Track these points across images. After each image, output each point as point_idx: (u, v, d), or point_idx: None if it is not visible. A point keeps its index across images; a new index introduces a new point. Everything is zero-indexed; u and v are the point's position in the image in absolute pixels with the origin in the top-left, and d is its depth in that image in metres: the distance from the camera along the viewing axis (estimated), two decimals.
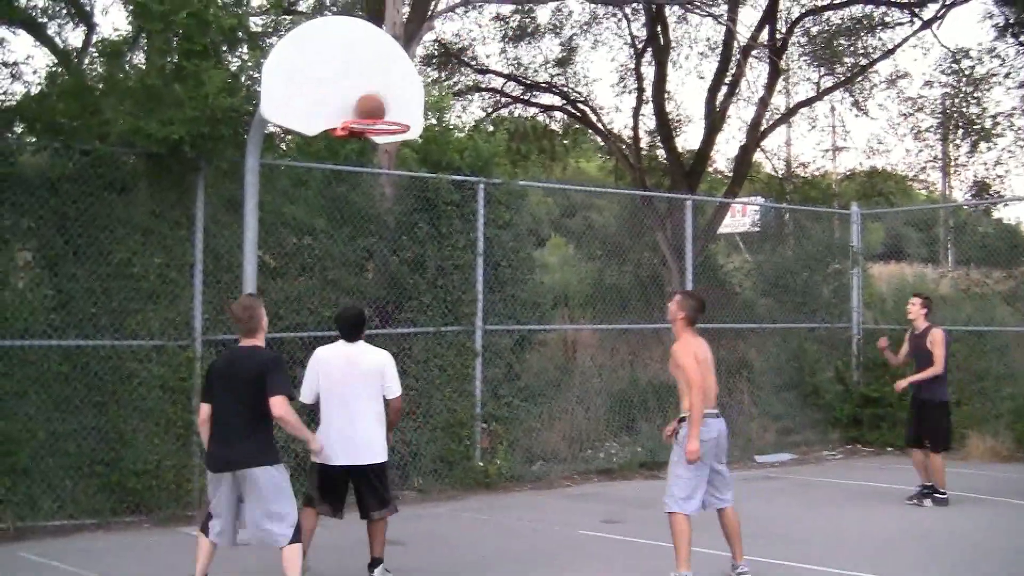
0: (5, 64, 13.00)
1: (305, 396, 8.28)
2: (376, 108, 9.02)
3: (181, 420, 10.88)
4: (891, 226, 25.77)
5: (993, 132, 22.50)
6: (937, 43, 29.15)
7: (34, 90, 11.29)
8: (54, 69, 13.82)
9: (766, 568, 8.87)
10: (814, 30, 23.87)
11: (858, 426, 16.56)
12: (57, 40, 19.22)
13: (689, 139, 56.31)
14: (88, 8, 19.81)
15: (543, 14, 28.39)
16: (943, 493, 11.82)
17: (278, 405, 7.23)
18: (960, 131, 23.28)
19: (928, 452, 11.82)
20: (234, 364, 7.52)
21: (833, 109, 27.53)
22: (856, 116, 27.62)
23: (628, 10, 23.84)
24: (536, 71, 25.46)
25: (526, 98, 25.88)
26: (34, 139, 10.95)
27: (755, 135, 22.70)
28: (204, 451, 7.70)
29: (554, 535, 10.33)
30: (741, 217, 26.72)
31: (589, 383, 15.28)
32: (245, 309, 7.65)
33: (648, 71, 23.90)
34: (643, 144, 24.32)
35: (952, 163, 25.00)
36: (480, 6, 23.38)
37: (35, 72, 21.67)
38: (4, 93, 10.91)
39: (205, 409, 7.56)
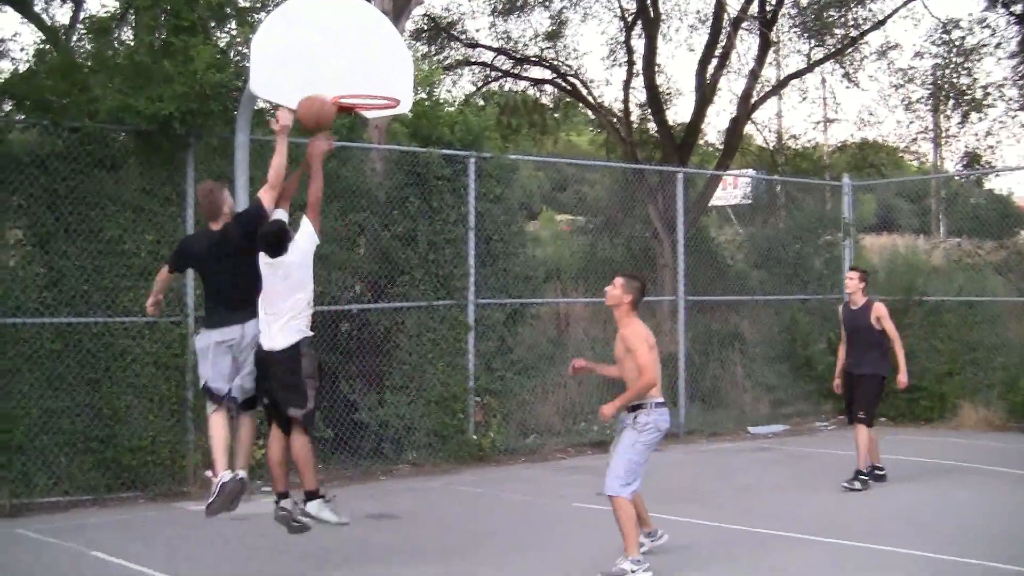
0: None
1: None
2: (317, 112, 8.57)
3: (175, 396, 10.90)
4: (883, 197, 25.74)
5: (984, 103, 22.47)
6: (928, 14, 29.30)
7: (22, 68, 11.28)
8: (42, 46, 13.78)
9: (760, 539, 8.92)
10: (804, 1, 23.80)
11: None
12: (45, 17, 19.16)
13: (680, 112, 56.21)
14: None
15: None
16: (881, 469, 11.45)
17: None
18: (951, 102, 23.24)
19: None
20: (203, 240, 8.19)
21: (824, 81, 27.39)
22: (847, 88, 27.55)
23: None
24: (526, 45, 25.38)
25: (516, 72, 25.79)
26: (23, 117, 10.92)
27: (746, 107, 22.65)
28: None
29: (548, 508, 10.38)
30: (732, 189, 26.72)
31: (582, 356, 15.27)
32: (204, 195, 8.16)
33: (638, 44, 23.82)
34: (634, 117, 24.26)
35: (943, 134, 24.99)
36: None
37: (23, 49, 21.64)
38: None
39: (164, 271, 8.42)
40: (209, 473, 7.76)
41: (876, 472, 11.35)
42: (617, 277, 8.06)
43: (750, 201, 24.03)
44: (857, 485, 10.97)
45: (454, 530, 9.42)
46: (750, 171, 25.23)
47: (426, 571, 7.96)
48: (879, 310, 11.44)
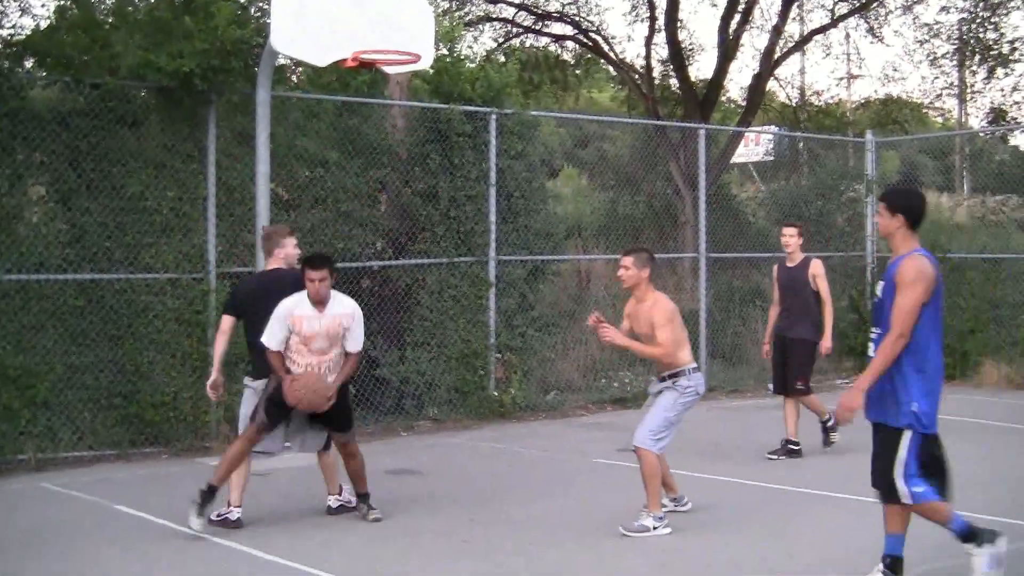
0: None
1: None
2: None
3: (197, 352, 10.95)
4: (906, 154, 25.57)
5: (1010, 58, 22.25)
6: None
7: (43, 24, 11.25)
8: (63, 3, 13.73)
9: (782, 495, 8.94)
10: None
11: None
12: None
13: (702, 68, 55.94)
14: None
15: None
16: (796, 445, 10.61)
17: None
18: (977, 57, 23.00)
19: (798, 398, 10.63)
20: (263, 284, 8.32)
21: (848, 36, 27.26)
22: (871, 43, 27.40)
23: None
24: (547, 1, 25.23)
25: (537, 28, 25.63)
26: (44, 73, 10.92)
27: (769, 63, 22.47)
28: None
29: (569, 463, 10.41)
30: (755, 146, 26.56)
31: (603, 313, 15.27)
32: (267, 234, 8.58)
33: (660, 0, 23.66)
34: (656, 74, 24.10)
35: (968, 90, 24.74)
36: None
37: (44, 6, 21.60)
38: (13, 27, 10.85)
39: (226, 320, 8.44)
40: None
41: (792, 445, 10.59)
42: (625, 257, 8.02)
43: (772, 158, 23.88)
44: (781, 456, 10.47)
45: (476, 484, 9.47)
46: (772, 127, 25.06)
47: (449, 522, 8.01)
48: (816, 268, 10.66)
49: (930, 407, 5.97)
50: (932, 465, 6.02)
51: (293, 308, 7.73)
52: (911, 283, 5.91)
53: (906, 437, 5.95)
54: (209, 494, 7.76)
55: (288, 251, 8.38)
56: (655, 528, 7.60)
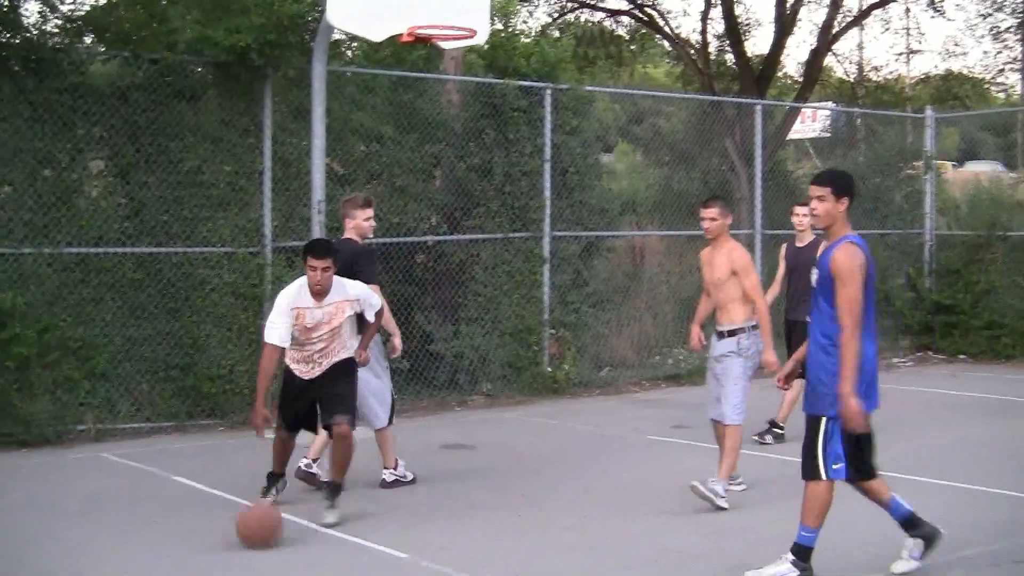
0: None
1: None
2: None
3: (253, 326, 11.03)
4: (966, 130, 25.23)
5: None
6: None
7: (103, 0, 11.33)
8: None
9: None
10: None
11: (929, 333, 16.40)
12: None
13: (759, 43, 55.38)
14: None
15: None
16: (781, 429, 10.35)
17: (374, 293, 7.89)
18: None
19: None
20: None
21: (908, 10, 26.78)
22: (932, 17, 27.03)
23: None
24: None
25: (592, 3, 25.49)
26: (103, 49, 11.02)
27: (826, 38, 22.20)
28: None
29: (622, 440, 10.40)
30: (811, 123, 26.28)
31: (657, 290, 15.25)
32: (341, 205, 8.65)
33: None
34: (711, 49, 23.87)
35: None
36: None
37: None
38: (73, 3, 10.95)
39: None
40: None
41: (775, 430, 10.31)
42: (711, 206, 8.13)
43: (829, 134, 23.64)
44: (769, 439, 10.19)
45: (529, 460, 9.48)
46: (829, 104, 24.80)
47: (502, 497, 8.03)
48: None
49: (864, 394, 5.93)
50: (856, 449, 6.01)
51: (296, 299, 7.43)
52: (850, 274, 5.89)
53: (824, 423, 5.93)
54: (273, 478, 7.92)
55: (359, 223, 8.33)
56: (723, 496, 7.63)
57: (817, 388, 5.95)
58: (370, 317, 7.74)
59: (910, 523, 6.16)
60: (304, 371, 7.64)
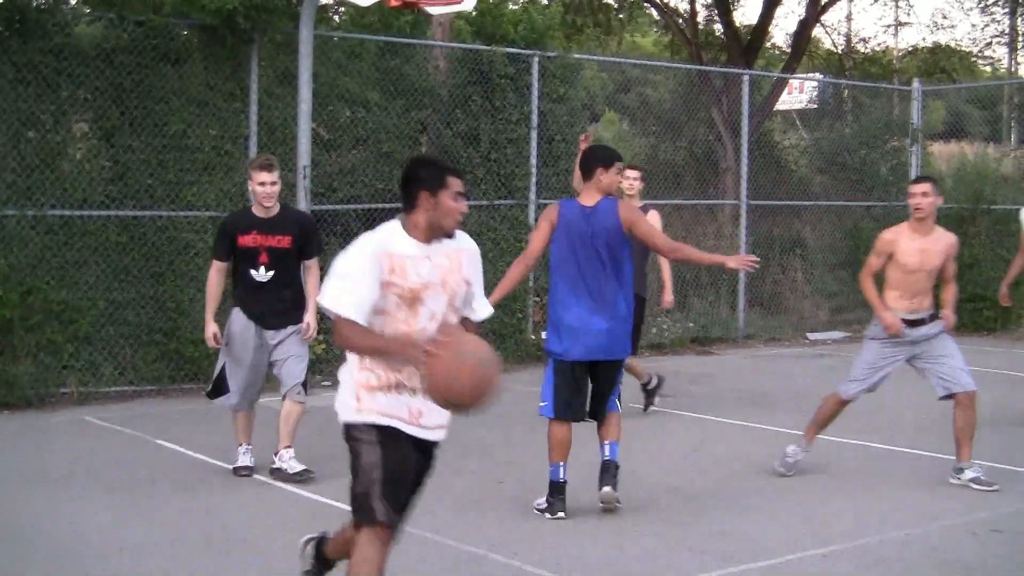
0: None
1: None
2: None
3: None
4: (953, 104, 25.22)
5: None
6: None
7: None
8: None
9: (818, 443, 8.92)
10: None
11: None
12: None
13: (747, 13, 55.25)
14: None
15: None
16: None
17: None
18: None
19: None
20: None
21: None
22: None
23: None
24: None
25: None
26: (89, 10, 10.95)
27: (815, 9, 22.13)
28: None
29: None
30: (798, 94, 26.24)
31: None
32: None
33: None
34: (700, 18, 23.81)
35: (1020, 38, 24.35)
36: None
37: None
38: None
39: None
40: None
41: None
42: (923, 183, 7.75)
43: (816, 106, 23.61)
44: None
45: (510, 428, 9.50)
46: (817, 75, 24.77)
47: (484, 466, 8.06)
48: (653, 216, 9.43)
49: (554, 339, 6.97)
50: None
51: (388, 242, 4.46)
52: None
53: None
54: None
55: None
56: (977, 480, 7.50)
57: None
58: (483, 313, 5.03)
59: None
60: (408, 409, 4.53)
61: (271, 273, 7.67)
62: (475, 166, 12.85)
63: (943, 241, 7.74)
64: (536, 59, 13.15)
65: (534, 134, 13.12)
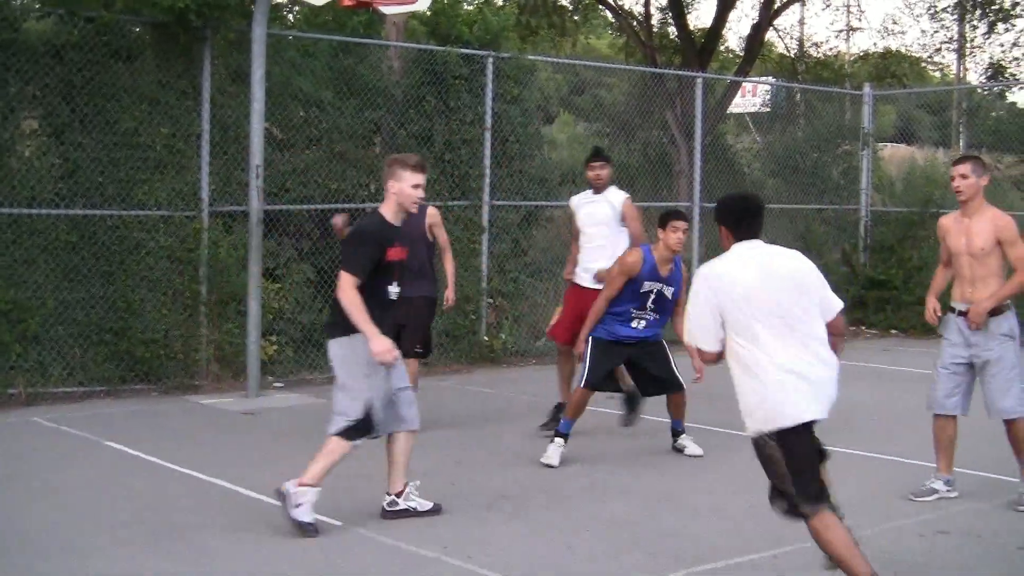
0: None
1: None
2: None
3: (188, 291, 10.95)
4: (903, 108, 25.48)
5: (1012, 13, 22.10)
6: None
7: None
8: None
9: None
10: None
11: (863, 308, 16.60)
12: None
13: (701, 16, 55.52)
14: None
15: None
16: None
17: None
18: (977, 12, 22.87)
19: None
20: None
21: None
22: None
23: None
24: None
25: None
26: (38, 5, 10.83)
27: (768, 13, 22.29)
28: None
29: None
30: (752, 97, 26.41)
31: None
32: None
33: None
34: (654, 21, 23.90)
35: (968, 45, 24.61)
36: None
37: None
38: None
39: None
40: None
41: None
42: (960, 165, 7.13)
43: (769, 109, 23.77)
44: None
45: (466, 426, 9.50)
46: (770, 78, 24.93)
47: (437, 465, 8.03)
48: (432, 216, 9.41)
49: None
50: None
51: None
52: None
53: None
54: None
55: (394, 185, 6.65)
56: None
57: None
58: None
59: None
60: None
61: (399, 289, 6.64)
62: (429, 166, 12.80)
63: (991, 223, 7.06)
64: (490, 60, 13.14)
65: (488, 135, 13.12)
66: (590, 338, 8.27)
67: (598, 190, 9.37)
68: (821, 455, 5.10)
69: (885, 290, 16.36)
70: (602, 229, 9.22)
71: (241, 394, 10.56)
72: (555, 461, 8.06)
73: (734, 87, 21.67)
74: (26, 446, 8.57)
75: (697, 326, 5.24)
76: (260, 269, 10.52)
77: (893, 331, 16.19)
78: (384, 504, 6.74)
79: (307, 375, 11.58)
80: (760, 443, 5.05)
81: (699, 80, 16.00)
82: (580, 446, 8.55)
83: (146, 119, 10.83)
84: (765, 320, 5.01)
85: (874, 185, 17.49)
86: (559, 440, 8.16)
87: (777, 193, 17.30)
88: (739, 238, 5.27)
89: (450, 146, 12.94)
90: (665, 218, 8.12)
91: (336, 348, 6.46)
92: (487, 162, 13.11)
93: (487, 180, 13.12)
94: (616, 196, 9.33)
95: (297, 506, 6.31)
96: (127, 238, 10.76)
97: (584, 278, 9.22)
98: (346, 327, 6.35)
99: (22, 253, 10.26)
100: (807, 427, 5.01)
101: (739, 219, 5.35)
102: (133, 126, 10.75)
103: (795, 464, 4.96)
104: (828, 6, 31.17)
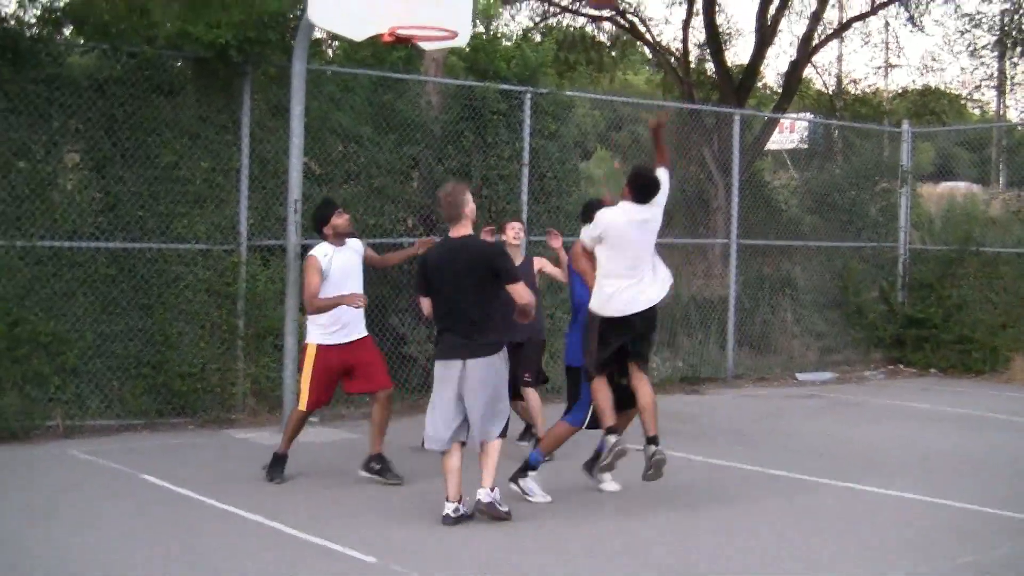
0: None
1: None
2: None
3: (226, 324, 10.99)
4: (942, 146, 25.33)
5: None
6: None
7: None
8: None
9: (804, 484, 8.90)
10: None
11: (901, 347, 16.48)
12: None
13: (739, 53, 55.48)
14: None
15: None
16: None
17: (523, 292, 7.56)
18: (1018, 48, 22.74)
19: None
20: (457, 254, 7.58)
21: (887, 25, 26.99)
22: (911, 32, 27.13)
23: None
24: None
25: (575, 8, 25.54)
26: (82, 41, 10.95)
27: (806, 50, 22.32)
28: None
29: (592, 439, 10.35)
30: (789, 134, 26.36)
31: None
32: (447, 196, 7.64)
33: None
34: (692, 57, 23.97)
35: (1009, 82, 24.48)
36: None
37: None
38: None
39: (425, 302, 7.77)
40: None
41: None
42: None
43: (807, 146, 23.72)
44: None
45: (500, 460, 9.44)
46: (808, 115, 24.87)
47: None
48: (539, 262, 10.21)
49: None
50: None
51: None
52: None
53: None
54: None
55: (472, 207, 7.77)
56: None
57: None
58: None
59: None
60: None
61: None
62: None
63: None
64: (528, 96, 13.17)
65: (525, 170, 13.12)
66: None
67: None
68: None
69: (924, 328, 16.23)
70: None
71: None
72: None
73: (772, 123, 21.65)
74: (64, 479, 8.59)
75: None
76: (297, 303, 10.53)
77: (932, 370, 16.03)
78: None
79: (343, 410, 11.57)
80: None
81: (737, 116, 15.98)
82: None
83: (186, 153, 10.91)
84: None
85: (913, 222, 17.38)
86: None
87: (815, 230, 17.22)
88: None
89: (488, 181, 12.95)
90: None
91: (499, 362, 7.56)
92: (524, 198, 13.12)
93: (524, 215, 13.11)
94: None
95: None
96: (166, 271, 10.82)
97: None
98: (500, 343, 7.53)
99: (62, 286, 10.33)
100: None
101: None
102: (173, 160, 10.83)
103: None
104: (867, 43, 30.96)
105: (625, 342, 7.98)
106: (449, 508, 7.39)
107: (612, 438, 7.89)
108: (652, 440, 7.87)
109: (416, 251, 9.31)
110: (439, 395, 7.57)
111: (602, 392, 8.00)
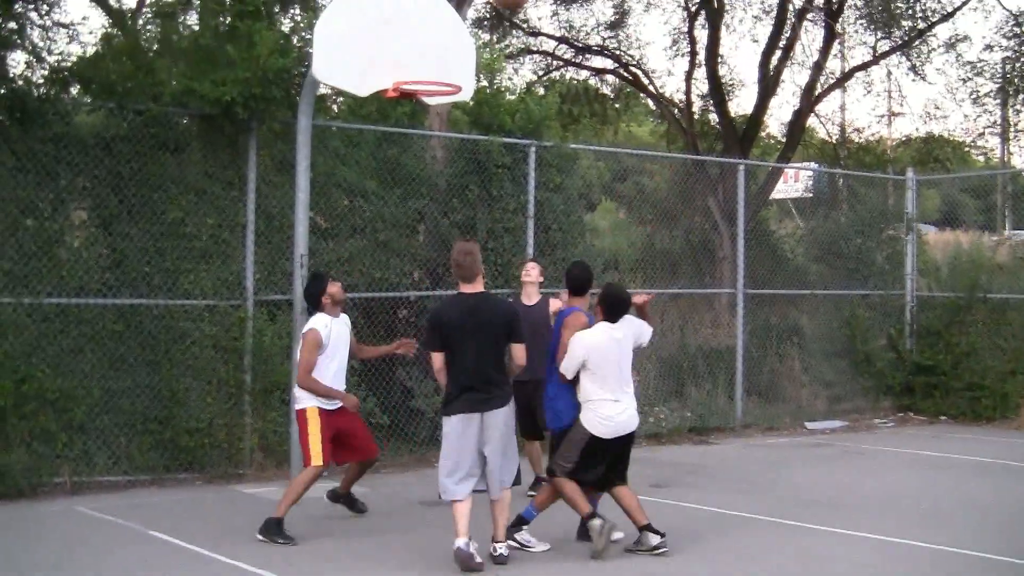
0: (62, 25, 13.07)
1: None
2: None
3: (233, 379, 10.98)
4: (947, 193, 25.39)
5: None
6: (998, 5, 28.51)
7: (90, 51, 11.37)
8: (109, 30, 13.90)
9: (814, 535, 8.84)
10: None
11: (911, 394, 16.42)
12: (112, 1, 19.34)
13: (742, 103, 55.77)
14: None
15: None
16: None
17: (523, 353, 7.93)
18: (1021, 96, 22.84)
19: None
20: (476, 311, 7.79)
21: (889, 74, 26.92)
22: (913, 81, 27.27)
23: None
24: (588, 34, 25.26)
25: (578, 61, 25.72)
26: (89, 99, 11.04)
27: (809, 100, 22.42)
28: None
29: (603, 498, 10.30)
30: (794, 183, 26.43)
31: (639, 348, 15.21)
32: (467, 255, 7.91)
33: (701, 34, 23.66)
34: (695, 108, 24.10)
35: (1012, 128, 24.55)
36: None
37: (91, 33, 21.79)
38: (61, 54, 10.97)
39: (439, 357, 7.83)
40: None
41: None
42: None
43: (811, 194, 23.78)
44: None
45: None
46: (812, 164, 24.95)
47: (485, 549, 7.96)
48: (554, 304, 10.15)
49: None
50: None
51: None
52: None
53: None
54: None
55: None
56: None
57: None
58: None
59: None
60: None
61: None
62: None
63: None
64: (533, 149, 13.23)
65: (531, 223, 13.15)
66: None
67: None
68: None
69: (933, 375, 16.18)
70: None
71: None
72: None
73: (776, 173, 21.73)
74: (71, 536, 8.56)
75: None
76: None
77: (942, 417, 15.97)
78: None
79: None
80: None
81: (741, 166, 16.04)
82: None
83: (192, 209, 10.96)
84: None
85: (919, 270, 17.38)
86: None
87: (821, 279, 17.23)
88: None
89: (493, 234, 12.98)
90: None
91: (510, 410, 7.89)
92: (530, 250, 13.13)
93: None
94: None
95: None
96: (173, 327, 10.84)
97: None
98: (511, 393, 7.91)
99: (69, 342, 10.35)
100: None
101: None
102: (180, 216, 10.88)
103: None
104: (869, 92, 31.08)
105: (610, 461, 8.29)
106: (461, 542, 7.63)
107: (596, 523, 7.96)
108: (647, 528, 8.16)
109: (393, 351, 9.71)
110: (459, 449, 7.69)
111: (568, 485, 8.15)
